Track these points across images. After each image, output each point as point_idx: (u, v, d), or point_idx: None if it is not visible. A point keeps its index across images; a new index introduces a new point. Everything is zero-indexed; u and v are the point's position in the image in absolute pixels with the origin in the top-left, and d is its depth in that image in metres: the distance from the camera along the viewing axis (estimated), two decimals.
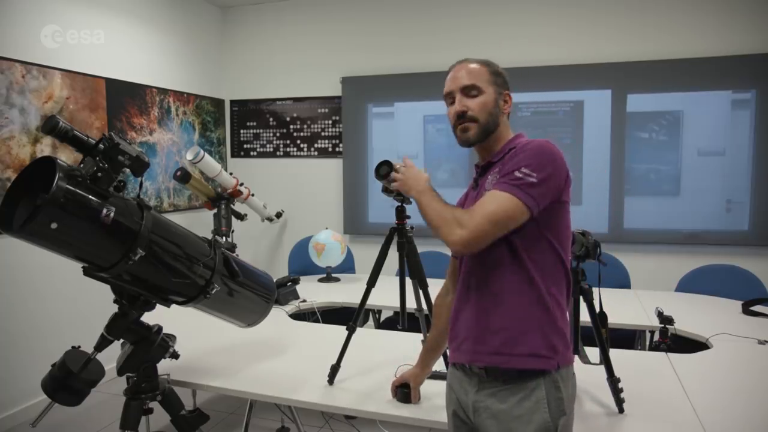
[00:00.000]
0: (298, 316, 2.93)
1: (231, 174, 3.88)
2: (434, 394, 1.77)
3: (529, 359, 1.30)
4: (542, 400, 1.28)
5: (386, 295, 2.28)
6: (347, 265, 3.89)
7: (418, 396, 1.75)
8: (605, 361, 1.65)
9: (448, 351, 1.54)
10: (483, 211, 1.25)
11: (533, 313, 1.32)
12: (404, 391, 1.75)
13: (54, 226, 1.31)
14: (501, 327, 1.32)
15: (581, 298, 1.63)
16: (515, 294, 1.32)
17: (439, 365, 1.92)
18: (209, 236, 1.80)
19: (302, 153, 4.88)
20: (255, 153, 5.03)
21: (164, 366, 1.81)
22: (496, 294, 1.33)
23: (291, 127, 4.89)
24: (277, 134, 4.94)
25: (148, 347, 1.70)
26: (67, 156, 3.21)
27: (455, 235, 1.26)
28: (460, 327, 1.42)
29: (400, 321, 2.15)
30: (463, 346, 1.39)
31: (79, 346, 1.61)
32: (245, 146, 5.06)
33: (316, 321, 2.91)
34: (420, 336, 2.19)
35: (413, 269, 2.01)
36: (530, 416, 1.28)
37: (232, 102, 5.06)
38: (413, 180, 1.43)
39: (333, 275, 3.63)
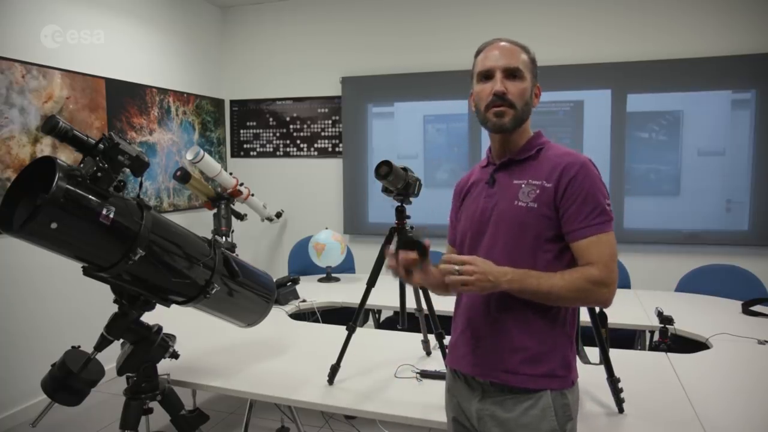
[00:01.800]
0: (298, 316, 2.93)
1: (231, 174, 3.88)
2: (434, 393, 1.77)
3: (545, 380, 1.28)
4: (549, 408, 1.27)
5: (386, 295, 2.28)
6: (347, 265, 3.89)
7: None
8: (605, 361, 1.65)
9: (447, 352, 1.53)
10: (609, 258, 1.22)
11: (555, 332, 1.30)
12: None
13: (54, 226, 1.31)
14: (522, 346, 1.28)
15: None
16: (542, 311, 1.28)
17: (439, 365, 1.93)
18: (209, 236, 1.80)
19: (302, 153, 4.88)
20: (255, 153, 5.03)
21: (164, 366, 1.81)
22: (521, 310, 1.28)
23: (291, 127, 4.89)
24: (277, 134, 4.94)
25: (148, 347, 1.70)
26: (67, 156, 3.21)
27: (604, 295, 1.23)
28: (469, 334, 1.37)
29: (400, 321, 2.16)
30: (472, 357, 1.35)
31: (79, 346, 1.61)
32: (245, 146, 5.06)
33: (316, 321, 2.91)
34: (420, 336, 2.19)
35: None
36: (538, 424, 1.26)
37: (232, 102, 5.06)
38: (493, 275, 1.21)
39: (333, 275, 3.63)
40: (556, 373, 1.29)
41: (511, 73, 1.30)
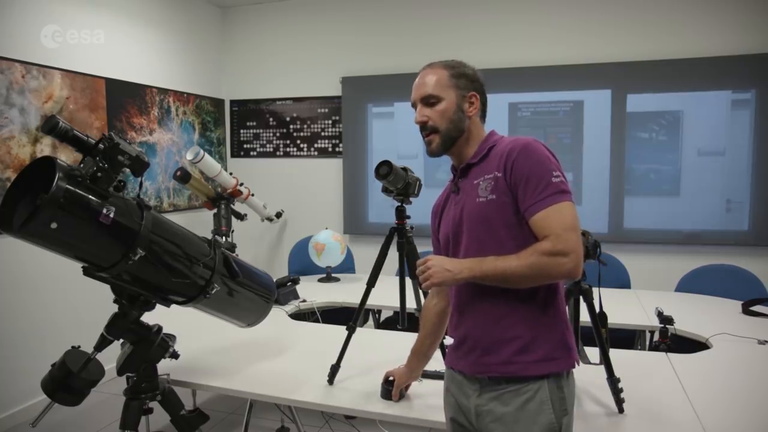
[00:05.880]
0: (298, 316, 2.93)
1: (231, 174, 3.88)
2: (434, 393, 1.76)
3: (545, 363, 1.29)
4: (546, 401, 1.28)
5: (386, 295, 2.29)
6: (347, 265, 3.89)
7: (398, 395, 1.75)
8: (605, 361, 1.65)
9: (446, 350, 1.53)
10: (566, 227, 1.22)
11: (545, 315, 1.31)
12: (386, 388, 1.76)
13: (54, 226, 1.31)
14: (515, 335, 1.30)
15: (581, 298, 1.63)
16: (529, 296, 1.30)
17: (439, 365, 1.92)
18: (209, 236, 1.80)
19: (302, 153, 4.88)
20: (255, 153, 5.03)
21: (164, 366, 1.80)
22: (509, 299, 1.30)
23: (291, 127, 4.89)
24: (277, 134, 4.94)
25: (148, 347, 1.70)
26: (67, 156, 3.21)
27: (564, 265, 1.22)
28: (465, 334, 1.39)
29: (400, 321, 2.16)
30: (470, 356, 1.37)
31: (79, 346, 1.61)
32: (245, 146, 5.06)
33: (316, 321, 2.91)
34: None
35: (413, 269, 2.01)
36: (535, 418, 1.28)
37: (232, 102, 5.06)
38: (451, 264, 1.29)
39: (333, 275, 3.63)
40: (555, 356, 1.30)
41: (428, 101, 1.37)
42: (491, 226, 1.31)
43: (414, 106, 1.42)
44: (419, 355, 1.70)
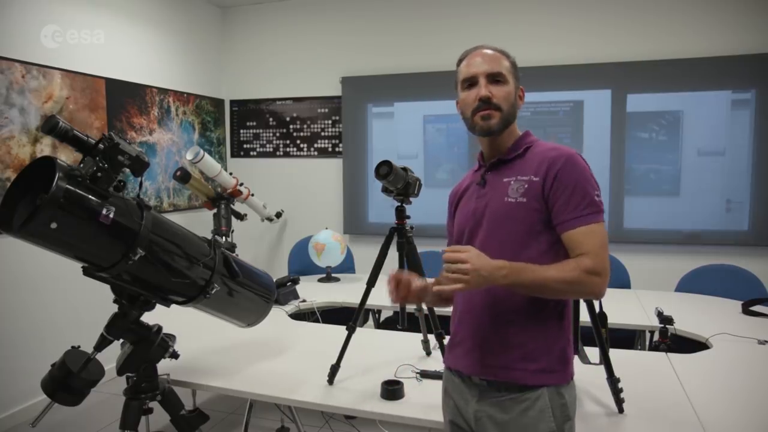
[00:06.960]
0: (298, 316, 2.93)
1: (231, 174, 3.88)
2: (434, 393, 1.76)
3: (543, 375, 1.28)
4: (546, 409, 1.27)
5: (386, 295, 2.27)
6: (347, 265, 3.89)
7: (405, 295, 1.46)
8: (605, 361, 1.65)
9: (445, 351, 1.53)
10: (598, 247, 1.23)
11: (551, 326, 1.30)
12: (386, 388, 1.78)
13: (54, 226, 1.31)
14: (519, 342, 1.29)
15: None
16: (538, 307, 1.29)
17: (439, 365, 1.92)
18: (209, 236, 1.80)
19: (302, 153, 4.88)
20: (255, 153, 5.03)
21: (164, 366, 1.80)
22: (518, 307, 1.29)
23: (291, 127, 4.89)
24: (277, 134, 4.94)
25: (148, 347, 1.70)
26: (67, 156, 3.21)
27: (597, 285, 1.22)
28: (466, 332, 1.38)
29: (400, 321, 2.16)
30: (469, 356, 1.35)
31: (79, 346, 1.61)
32: (245, 146, 5.06)
33: (316, 321, 2.91)
34: (420, 336, 2.19)
35: (413, 269, 2.01)
36: (535, 425, 1.27)
37: (232, 102, 5.06)
38: (487, 264, 1.18)
39: (333, 275, 3.63)
40: (554, 368, 1.29)
41: (494, 78, 1.34)
42: (515, 229, 1.29)
43: (466, 82, 1.36)
44: (444, 297, 1.48)
